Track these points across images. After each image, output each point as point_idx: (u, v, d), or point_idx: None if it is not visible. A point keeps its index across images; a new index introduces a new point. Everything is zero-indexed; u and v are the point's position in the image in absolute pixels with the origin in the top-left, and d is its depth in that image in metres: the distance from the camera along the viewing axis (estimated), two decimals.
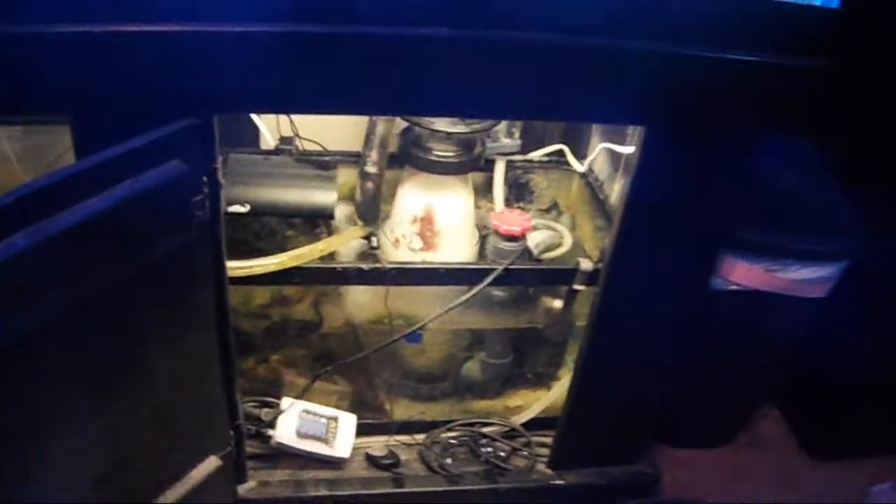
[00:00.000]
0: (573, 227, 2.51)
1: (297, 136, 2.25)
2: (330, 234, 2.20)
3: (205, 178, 1.60)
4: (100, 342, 1.54)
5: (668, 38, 1.66)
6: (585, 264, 2.14)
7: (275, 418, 2.27)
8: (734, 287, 2.31)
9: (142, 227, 1.49)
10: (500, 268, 2.10)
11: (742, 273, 2.28)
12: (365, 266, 2.05)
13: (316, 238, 2.18)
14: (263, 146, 2.32)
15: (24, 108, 1.59)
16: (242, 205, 1.96)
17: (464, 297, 2.11)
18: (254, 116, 2.16)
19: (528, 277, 2.22)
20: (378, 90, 1.65)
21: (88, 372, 1.55)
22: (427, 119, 2.10)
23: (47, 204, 1.34)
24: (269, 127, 2.22)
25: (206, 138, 1.59)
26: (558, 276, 2.22)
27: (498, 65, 1.64)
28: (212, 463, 2.02)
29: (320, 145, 2.33)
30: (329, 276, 2.08)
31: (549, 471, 2.46)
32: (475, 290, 2.09)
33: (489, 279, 2.09)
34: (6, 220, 1.28)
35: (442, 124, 2.10)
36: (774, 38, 1.71)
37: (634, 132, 2.11)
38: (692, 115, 1.81)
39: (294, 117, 2.18)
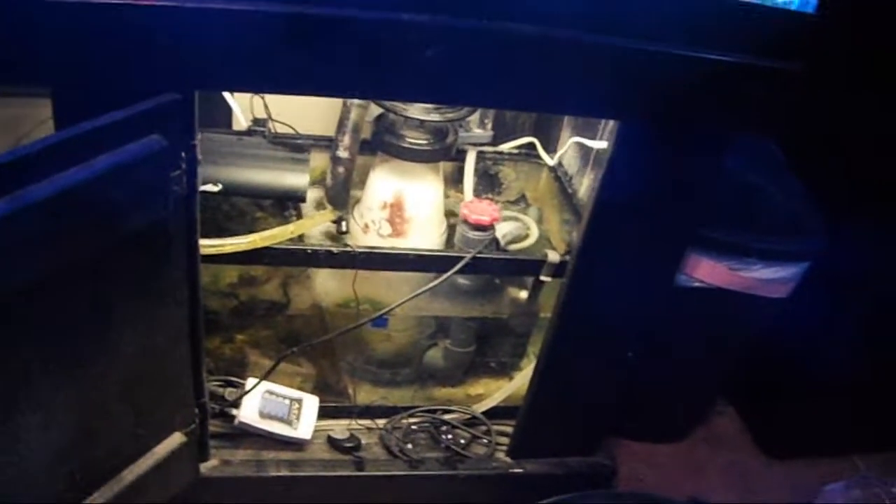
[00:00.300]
0: (540, 220, 2.53)
1: (270, 118, 2.26)
2: (299, 217, 2.21)
3: (183, 154, 1.61)
4: (70, 313, 1.54)
5: (645, 35, 1.68)
6: (553, 256, 2.16)
7: (239, 398, 2.27)
8: (697, 284, 2.34)
9: (120, 200, 1.49)
10: (469, 256, 2.12)
11: (706, 270, 2.32)
12: (335, 249, 2.05)
13: (285, 220, 2.18)
14: (235, 127, 2.32)
15: (4, 78, 1.57)
16: (214, 184, 1.95)
17: (431, 284, 2.12)
18: (227, 97, 2.16)
19: (495, 267, 2.24)
20: (359, 74, 1.66)
21: (57, 342, 1.55)
22: (401, 106, 2.11)
23: (28, 172, 1.33)
24: (243, 108, 2.23)
25: (186, 114, 1.59)
26: (526, 267, 2.24)
27: (474, 53, 1.65)
28: (176, 439, 2.03)
29: (293, 128, 2.34)
30: (299, 258, 2.08)
31: (508, 459, 2.48)
32: (443, 277, 2.11)
33: (458, 267, 2.11)
34: None
35: (415, 112, 2.12)
36: (750, 40, 1.73)
37: (605, 127, 2.15)
38: (665, 111, 1.83)
39: (268, 100, 2.19)
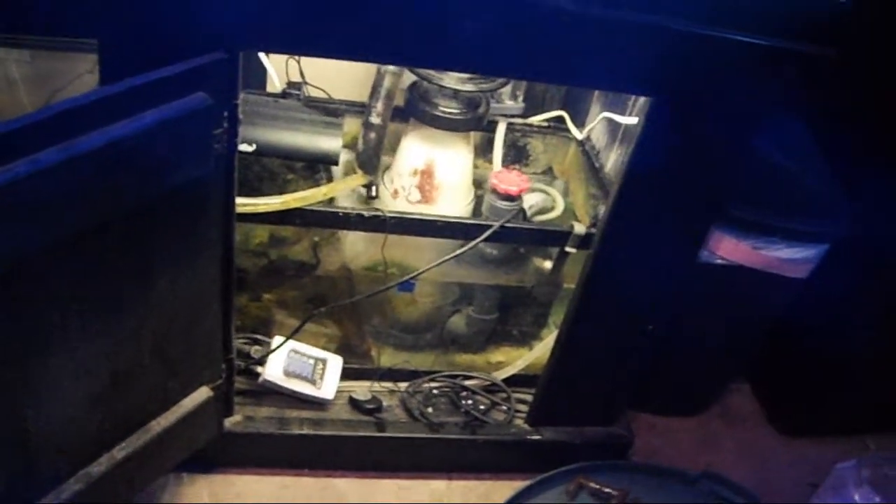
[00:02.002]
0: (566, 193, 2.56)
1: (305, 82, 2.29)
2: (329, 181, 2.23)
3: (226, 113, 1.64)
4: (111, 264, 1.58)
5: (681, 15, 1.71)
6: (579, 228, 2.19)
7: (264, 356, 2.31)
8: (720, 261, 2.37)
9: (165, 155, 1.52)
10: (497, 224, 2.15)
11: (729, 248, 2.34)
12: (366, 212, 2.08)
13: (315, 183, 2.21)
14: (269, 89, 2.35)
15: (53, 28, 1.60)
16: (249, 144, 1.98)
17: (461, 250, 2.15)
18: (263, 59, 2.19)
19: (522, 236, 2.27)
20: (401, 42, 1.69)
21: (97, 291, 1.58)
22: (436, 75, 2.14)
23: (78, 124, 1.37)
24: (277, 71, 2.26)
25: (231, 74, 1.62)
26: (552, 238, 2.27)
27: (514, 26, 1.68)
28: (203, 394, 2.07)
29: (326, 93, 2.37)
30: (331, 220, 2.11)
31: (527, 426, 2.52)
32: (472, 243, 2.14)
33: (486, 234, 2.14)
34: (38, 136, 1.31)
35: (450, 81, 2.15)
36: (784, 25, 1.76)
37: (635, 103, 2.17)
38: (697, 90, 1.86)
39: (302, 64, 2.23)
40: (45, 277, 1.46)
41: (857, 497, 2.39)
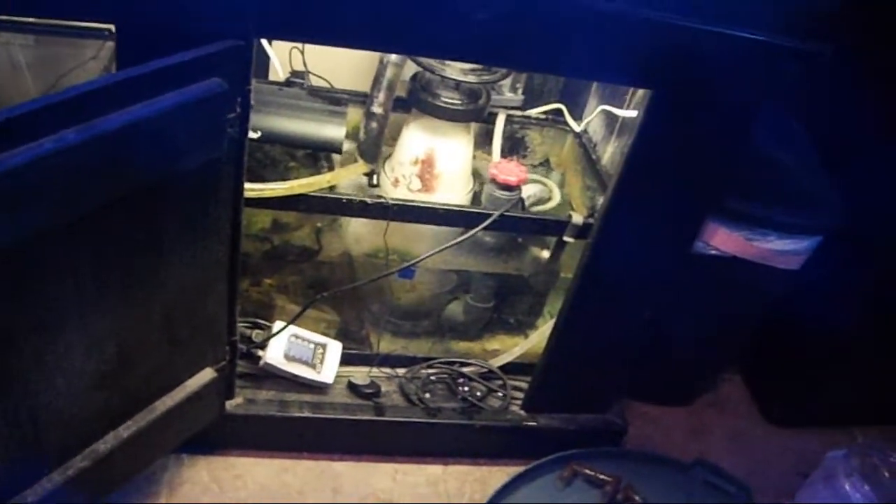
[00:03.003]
0: (562, 185, 2.59)
1: (308, 71, 2.33)
2: (331, 169, 2.26)
3: (239, 99, 1.68)
4: (124, 242, 1.61)
5: (681, 10, 1.75)
6: (577, 218, 2.23)
7: (265, 340, 2.34)
8: (713, 252, 2.40)
9: (182, 136, 1.55)
10: (497, 213, 2.18)
11: (722, 239, 2.37)
12: (369, 199, 2.11)
13: (317, 171, 2.24)
14: (272, 78, 2.38)
15: (71, 12, 1.61)
16: (254, 131, 2.00)
17: (462, 237, 2.19)
18: (267, 48, 2.22)
19: (521, 225, 2.30)
20: (413, 32, 1.73)
21: (110, 268, 1.61)
22: (439, 66, 2.18)
23: (98, 105, 1.40)
24: (280, 60, 2.29)
25: (245, 60, 1.66)
26: (550, 227, 2.30)
27: (522, 19, 1.72)
28: (207, 374, 2.10)
29: (328, 82, 2.40)
30: (334, 207, 2.14)
31: (522, 412, 2.56)
32: (472, 231, 2.17)
33: (486, 223, 2.17)
34: (59, 116, 1.34)
35: (452, 72, 2.19)
36: (781, 21, 1.80)
37: (633, 97, 2.21)
38: (696, 84, 1.89)
39: (305, 54, 2.27)
40: (63, 252, 1.49)
41: (846, 486, 2.43)
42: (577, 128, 2.56)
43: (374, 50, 2.08)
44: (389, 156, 2.43)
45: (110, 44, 2.24)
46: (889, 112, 2.37)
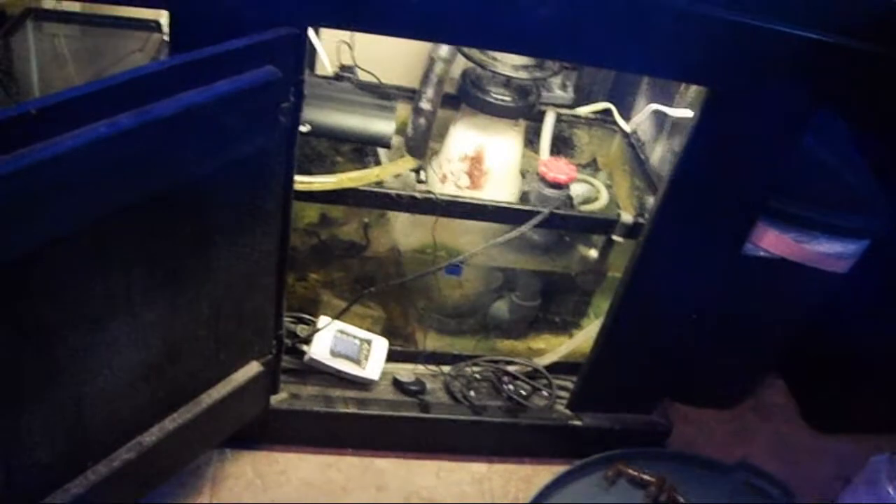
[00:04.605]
0: (610, 185, 2.58)
1: (356, 65, 2.33)
2: (377, 164, 2.26)
3: (292, 88, 1.67)
4: (173, 232, 1.61)
5: (740, 8, 1.74)
6: (626, 217, 2.22)
7: (311, 335, 2.34)
8: (763, 253, 2.39)
9: (235, 124, 1.55)
10: (547, 211, 2.17)
11: (771, 240, 2.36)
12: (418, 195, 2.11)
13: (363, 166, 2.24)
14: (319, 72, 2.38)
15: None
16: (303, 125, 2.00)
17: (511, 234, 2.17)
18: (315, 41, 2.21)
19: (570, 223, 2.29)
20: (473, 26, 1.72)
21: (159, 259, 1.62)
22: (491, 62, 2.17)
23: (152, 90, 1.40)
24: (328, 54, 2.29)
25: (299, 49, 1.66)
26: (599, 226, 2.29)
27: (582, 15, 1.71)
28: (253, 368, 2.10)
29: (376, 77, 2.40)
30: (383, 201, 2.14)
31: (567, 411, 2.55)
32: (522, 228, 2.16)
33: (536, 220, 2.16)
34: (112, 100, 1.34)
35: (504, 69, 2.18)
36: (841, 21, 1.78)
37: (684, 96, 2.20)
38: (753, 82, 1.88)
39: (354, 48, 2.27)
40: (114, 241, 1.49)
41: (891, 490, 2.41)
42: (627, 128, 2.54)
43: (428, 40, 2.07)
44: (437, 152, 2.42)
45: (156, 35, 2.25)
46: None
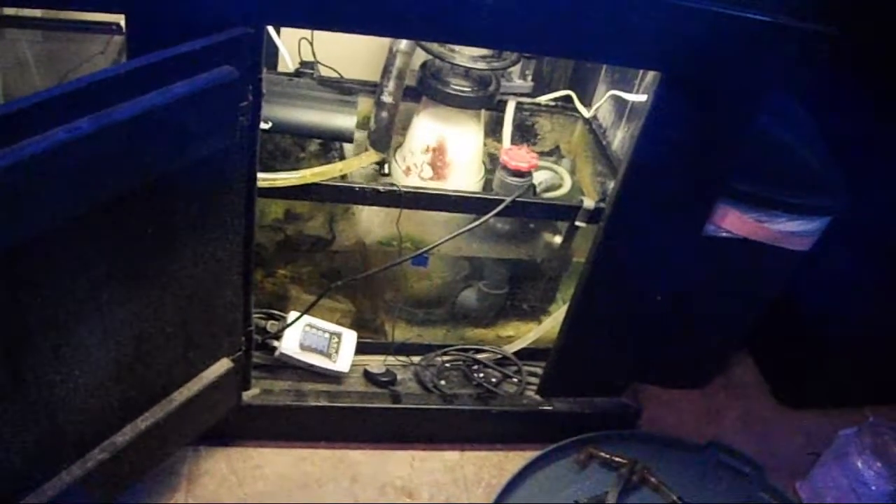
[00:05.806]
0: (572, 171, 2.60)
1: (317, 61, 2.34)
2: (341, 159, 2.27)
3: (251, 87, 1.68)
4: (138, 233, 1.62)
5: None
6: (588, 202, 2.24)
7: (281, 330, 2.36)
8: (725, 234, 2.42)
9: (194, 125, 1.56)
10: (509, 199, 2.19)
11: (733, 221, 2.39)
12: (381, 187, 2.12)
13: (328, 161, 2.25)
14: (281, 69, 2.39)
15: (83, 2, 1.62)
16: (265, 121, 2.00)
17: (475, 223, 2.20)
18: (275, 38, 2.22)
19: (534, 211, 2.31)
20: (426, 18, 1.72)
21: (124, 259, 1.63)
22: (449, 53, 2.19)
23: (110, 94, 1.41)
24: (289, 50, 2.30)
25: (256, 48, 1.66)
26: (562, 212, 2.32)
27: (531, 3, 1.73)
28: (223, 366, 2.11)
29: (338, 72, 2.41)
30: (347, 195, 2.16)
31: (538, 397, 2.57)
32: (485, 217, 2.18)
33: (499, 208, 2.18)
34: (71, 105, 1.35)
35: (462, 60, 2.19)
36: (788, 3, 1.81)
37: (642, 81, 2.22)
38: (705, 66, 1.90)
39: (315, 44, 2.28)
40: (78, 245, 1.50)
41: (858, 463, 2.45)
42: (586, 114, 2.56)
43: (384, 35, 2.07)
44: (400, 145, 2.44)
45: (118, 38, 2.25)
46: (892, 97, 2.37)
